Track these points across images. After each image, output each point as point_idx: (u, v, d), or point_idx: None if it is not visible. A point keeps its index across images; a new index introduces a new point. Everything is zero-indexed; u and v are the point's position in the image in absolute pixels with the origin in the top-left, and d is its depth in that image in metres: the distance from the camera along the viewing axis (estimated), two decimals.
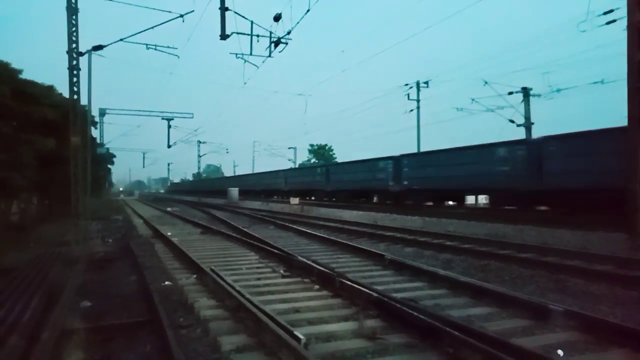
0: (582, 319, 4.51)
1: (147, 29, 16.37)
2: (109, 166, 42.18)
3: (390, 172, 24.98)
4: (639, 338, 3.96)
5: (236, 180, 60.26)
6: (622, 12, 11.23)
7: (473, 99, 28.42)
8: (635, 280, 6.46)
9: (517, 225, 13.39)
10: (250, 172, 67.20)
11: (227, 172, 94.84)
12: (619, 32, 11.12)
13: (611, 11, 15.09)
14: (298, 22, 14.38)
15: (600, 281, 6.58)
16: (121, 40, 16.93)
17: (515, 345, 3.76)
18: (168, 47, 17.94)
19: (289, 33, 15.27)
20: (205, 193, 60.75)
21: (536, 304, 5.02)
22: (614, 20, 16.57)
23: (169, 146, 44.01)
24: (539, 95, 27.35)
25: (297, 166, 52.74)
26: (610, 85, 21.69)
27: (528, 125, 27.70)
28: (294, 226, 14.96)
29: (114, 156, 41.11)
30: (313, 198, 36.33)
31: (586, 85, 24.29)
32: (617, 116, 11.53)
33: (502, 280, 6.88)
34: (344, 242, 10.74)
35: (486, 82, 26.94)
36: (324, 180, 33.63)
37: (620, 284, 6.35)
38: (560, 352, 3.84)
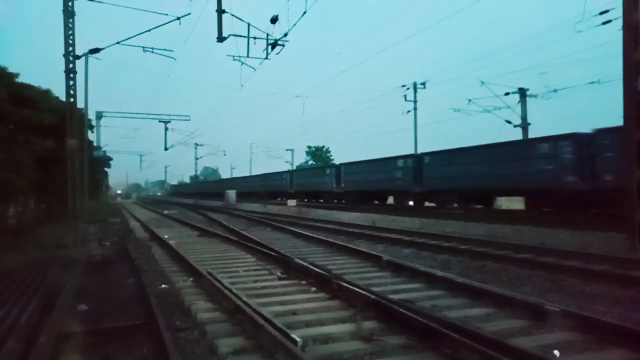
0: (580, 319, 4.51)
1: (144, 32, 16.37)
2: (105, 169, 42.11)
3: (569, 161, 15.86)
4: (637, 338, 3.96)
5: (258, 180, 50.90)
6: (618, 12, 11.26)
7: (470, 100, 28.45)
8: (633, 280, 6.48)
9: (516, 225, 13.41)
10: (256, 172, 64.85)
11: (225, 175, 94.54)
12: (615, 32, 11.14)
13: (607, 11, 15.15)
14: (295, 24, 14.38)
15: (598, 281, 6.59)
16: (118, 43, 16.91)
17: (512, 345, 3.76)
18: (165, 49, 17.92)
19: (285, 35, 15.28)
20: (219, 196, 51.04)
21: (534, 304, 5.02)
22: (610, 21, 16.63)
23: (166, 149, 43.87)
24: (535, 96, 27.44)
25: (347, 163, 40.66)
26: (607, 85, 21.71)
27: (525, 125, 27.78)
28: (292, 228, 14.95)
29: (111, 159, 41.10)
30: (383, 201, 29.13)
31: (583, 85, 24.36)
32: (614, 116, 11.53)
33: (500, 281, 6.88)
34: (342, 243, 10.74)
35: (483, 83, 26.99)
36: (411, 177, 24.53)
37: (618, 284, 6.36)
38: (556, 352, 3.84)
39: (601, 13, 15.69)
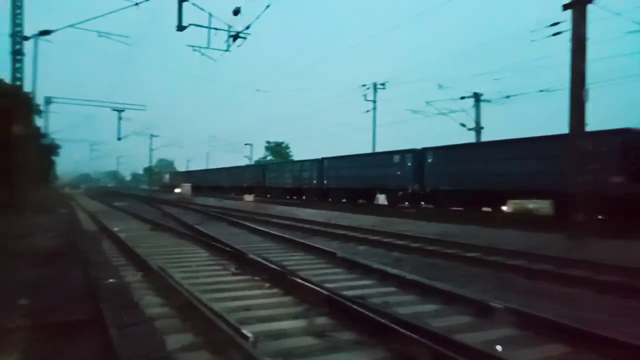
0: (522, 315, 4.72)
1: (100, 16, 15.79)
2: (53, 157, 40.32)
3: (616, 161, 14.19)
4: (573, 333, 4.19)
5: (229, 173, 46.51)
6: (568, 25, 11.80)
7: (427, 102, 29.13)
8: (572, 278, 6.85)
9: (466, 225, 13.87)
10: (208, 166, 63.54)
11: (180, 167, 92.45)
12: (566, 43, 11.68)
13: (557, 23, 15.84)
14: (258, 17, 14.27)
15: (541, 279, 6.94)
16: (71, 26, 16.23)
17: (458, 341, 3.89)
18: (121, 35, 17.37)
19: (247, 28, 15.15)
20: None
21: (479, 301, 5.21)
22: (561, 32, 17.40)
23: (119, 138, 42.44)
24: (489, 101, 28.44)
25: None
26: (556, 93, 22.74)
27: (478, 129, 28.73)
28: (248, 223, 14.83)
29: (59, 147, 39.41)
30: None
31: (534, 93, 25.40)
32: (561, 122, 12.10)
33: (449, 279, 7.08)
34: (298, 240, 10.76)
35: (440, 86, 27.69)
36: (409, 175, 21.78)
37: (559, 282, 6.72)
38: (499, 347, 4.00)
39: (552, 24, 16.36)
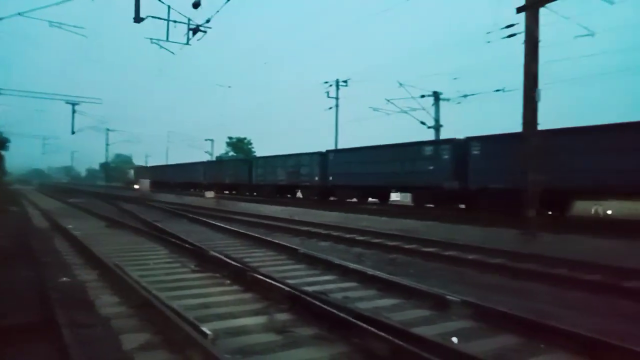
0: (476, 308, 4.89)
1: (52, 5, 15.14)
2: (2, 152, 38.40)
3: None
4: (524, 324, 4.37)
5: (207, 168, 43.92)
6: (522, 27, 12.22)
7: (388, 100, 29.51)
8: (521, 272, 7.14)
9: (426, 221, 14.19)
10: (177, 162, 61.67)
11: (139, 163, 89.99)
12: (520, 45, 12.08)
13: (512, 25, 16.34)
14: (218, 11, 14.05)
15: (494, 273, 7.20)
16: (20, 14, 15.52)
17: (416, 334, 3.99)
18: (75, 26, 16.72)
19: (208, 21, 14.92)
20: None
21: (437, 295, 5.35)
22: (515, 34, 17.99)
23: (73, 132, 40.83)
24: (448, 100, 29.14)
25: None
26: (510, 93, 23.51)
27: (437, 127, 29.39)
28: (209, 220, 14.63)
29: (9, 141, 37.57)
30: None
31: (490, 93, 26.21)
32: (516, 121, 12.48)
33: (408, 273, 7.23)
34: (260, 236, 10.70)
35: (401, 84, 28.11)
36: (448, 171, 18.95)
37: (510, 276, 6.98)
38: (454, 339, 4.13)
39: (507, 26, 16.87)
